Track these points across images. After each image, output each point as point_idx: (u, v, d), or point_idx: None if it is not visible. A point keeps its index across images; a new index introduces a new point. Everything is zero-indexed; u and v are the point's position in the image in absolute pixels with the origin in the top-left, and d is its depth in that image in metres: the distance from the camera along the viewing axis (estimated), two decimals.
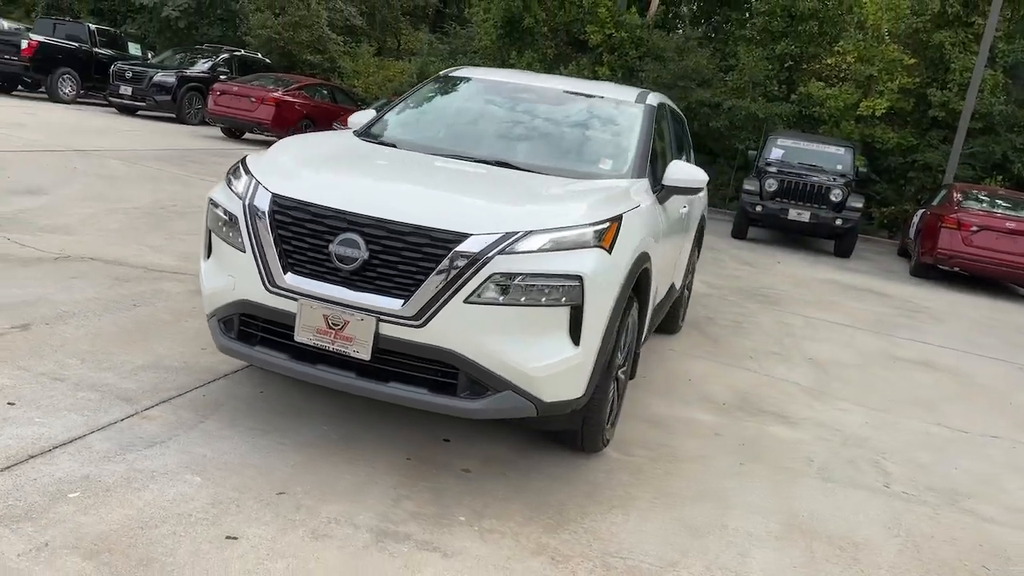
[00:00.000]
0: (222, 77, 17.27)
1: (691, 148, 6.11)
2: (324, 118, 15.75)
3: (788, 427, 4.42)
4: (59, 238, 5.91)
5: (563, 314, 2.99)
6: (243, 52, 19.36)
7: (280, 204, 3.08)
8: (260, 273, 3.05)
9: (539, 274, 2.91)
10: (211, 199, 3.34)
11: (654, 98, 4.68)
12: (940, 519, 3.53)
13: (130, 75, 16.89)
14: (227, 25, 23.23)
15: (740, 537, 3.07)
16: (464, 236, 2.89)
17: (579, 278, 2.96)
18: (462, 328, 2.87)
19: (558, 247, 2.98)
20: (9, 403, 3.18)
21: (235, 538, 2.52)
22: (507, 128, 4.34)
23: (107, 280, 5.03)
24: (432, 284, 2.86)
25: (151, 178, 9.33)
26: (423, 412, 3.27)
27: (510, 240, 2.91)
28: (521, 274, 2.88)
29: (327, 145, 4.12)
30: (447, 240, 2.89)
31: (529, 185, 3.50)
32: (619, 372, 3.66)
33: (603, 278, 3.07)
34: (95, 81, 17.94)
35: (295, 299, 2.99)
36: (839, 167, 13.13)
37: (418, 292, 2.87)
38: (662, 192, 4.10)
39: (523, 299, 2.90)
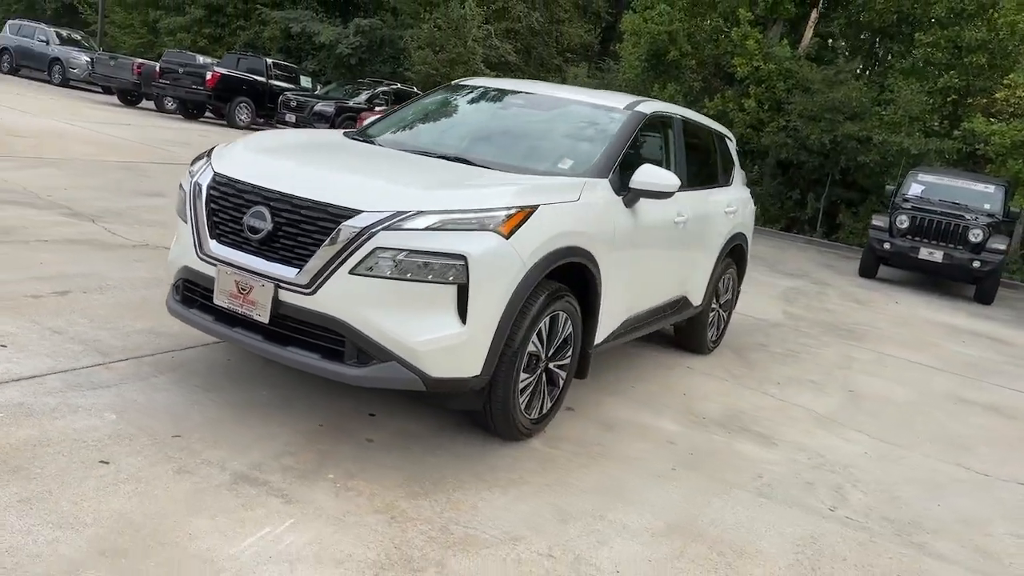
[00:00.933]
0: (378, 108, 18.47)
1: (730, 166, 5.97)
2: None
3: (762, 446, 4.24)
4: (149, 231, 6.67)
5: (450, 292, 3.11)
6: (399, 86, 20.61)
7: (216, 180, 3.44)
8: (194, 241, 3.42)
9: (423, 251, 3.06)
10: (180, 183, 3.75)
11: (647, 106, 4.69)
12: (871, 547, 3.29)
13: (295, 104, 18.51)
14: (395, 62, 24.83)
15: (610, 528, 3.04)
16: (355, 212, 3.10)
17: (464, 258, 3.08)
18: (347, 298, 3.07)
19: (446, 228, 3.12)
20: (1, 345, 3.70)
21: (107, 463, 2.84)
22: (485, 129, 4.52)
23: (163, 264, 5.65)
24: (323, 255, 3.08)
25: None
26: (363, 388, 3.48)
27: (398, 218, 3.09)
28: (405, 250, 3.05)
29: (297, 137, 4.49)
30: (339, 215, 3.11)
31: (460, 176, 3.65)
32: (550, 365, 3.71)
33: (494, 261, 3.17)
34: (268, 109, 19.73)
35: (215, 265, 3.32)
36: (986, 206, 12.12)
37: (310, 262, 3.10)
38: (629, 195, 4.10)
39: (408, 274, 3.06)
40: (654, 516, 3.20)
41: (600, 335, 4.13)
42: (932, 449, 4.68)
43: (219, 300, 3.33)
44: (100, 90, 22.29)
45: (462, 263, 3.08)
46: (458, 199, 3.27)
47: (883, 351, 7.14)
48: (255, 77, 19.76)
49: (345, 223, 3.08)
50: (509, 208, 3.30)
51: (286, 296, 3.16)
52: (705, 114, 18.35)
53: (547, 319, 3.57)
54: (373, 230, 3.05)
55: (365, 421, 3.62)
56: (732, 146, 6.10)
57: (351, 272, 3.05)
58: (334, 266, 3.06)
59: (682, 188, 4.74)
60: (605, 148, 4.21)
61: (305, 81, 21.25)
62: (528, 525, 2.94)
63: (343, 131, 4.86)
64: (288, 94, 18.98)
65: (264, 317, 3.21)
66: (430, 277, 3.08)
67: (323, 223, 3.12)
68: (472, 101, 4.91)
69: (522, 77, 25.12)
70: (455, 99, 4.97)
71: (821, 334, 7.45)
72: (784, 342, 6.82)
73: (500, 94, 4.92)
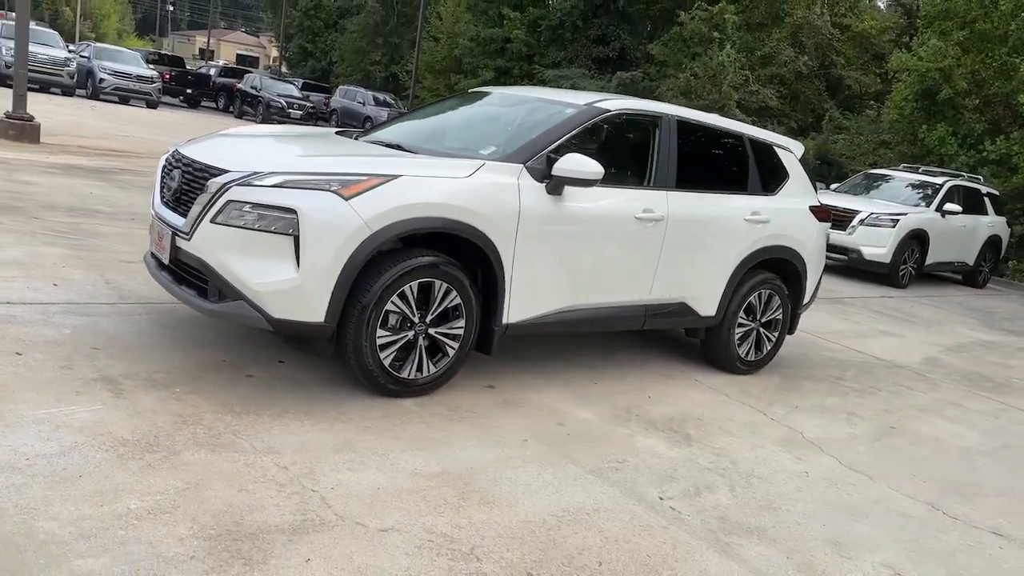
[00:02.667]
0: None
1: (775, 176, 5.64)
2: None
3: (669, 445, 4.06)
4: None
5: (288, 242, 3.59)
6: None
7: (170, 155, 4.26)
8: (152, 202, 4.26)
9: (264, 204, 3.58)
10: None
11: (613, 104, 4.75)
12: (655, 531, 3.12)
13: None
14: None
15: (372, 462, 3.25)
16: (222, 171, 3.72)
17: (295, 212, 3.55)
18: (209, 243, 3.68)
19: (287, 186, 3.61)
20: (53, 284, 4.83)
21: (20, 354, 3.70)
22: (445, 124, 4.93)
23: None
24: (197, 207, 3.73)
25: None
26: (291, 341, 4.06)
27: (251, 177, 3.65)
28: (250, 203, 3.59)
29: (285, 128, 5.20)
30: (212, 174, 3.75)
31: (346, 152, 4.12)
32: (431, 331, 3.99)
33: (326, 218, 3.58)
34: None
35: (152, 219, 4.13)
36: None
37: (191, 212, 3.77)
38: (552, 182, 4.25)
39: (253, 224, 3.60)
40: (438, 463, 3.34)
41: (516, 316, 4.27)
42: (927, 490, 4.08)
43: (152, 247, 4.11)
44: None
45: (293, 216, 3.54)
46: (312, 165, 3.75)
47: (1012, 404, 6.10)
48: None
49: (212, 179, 3.70)
50: (359, 175, 3.70)
51: (179, 242, 3.84)
52: (985, 158, 16.52)
53: (414, 284, 3.85)
54: (229, 185, 3.63)
55: (268, 365, 4.15)
56: (787, 156, 5.75)
57: (211, 221, 3.65)
58: (201, 216, 3.68)
59: (668, 188, 4.76)
60: (533, 137, 4.39)
61: None
62: (299, 448, 3.26)
63: (343, 129, 5.52)
64: None
65: (166, 258, 3.92)
66: (271, 227, 3.57)
67: (201, 181, 3.77)
68: (460, 103, 5.33)
69: (787, 123, 24.26)
70: (452, 102, 5.42)
71: (944, 380, 6.54)
72: (873, 380, 6.14)
73: (491, 96, 5.27)
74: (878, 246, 11.68)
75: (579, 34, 29.71)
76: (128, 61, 24.17)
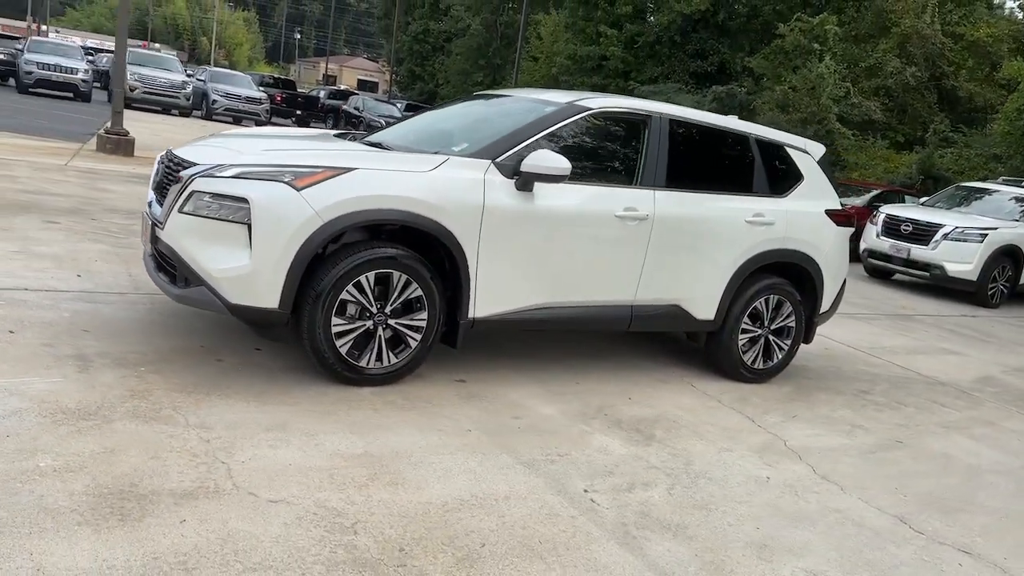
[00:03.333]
0: None
1: (786, 177, 5.45)
2: None
3: (625, 444, 3.99)
4: None
5: (243, 230, 3.77)
6: None
7: (164, 154, 4.55)
8: (147, 198, 4.56)
9: (220, 194, 3.79)
10: None
11: (596, 102, 4.73)
12: (566, 524, 3.08)
13: None
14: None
15: (302, 441, 3.35)
16: (192, 164, 3.96)
17: (246, 201, 3.74)
18: (177, 231, 3.91)
19: (243, 177, 3.80)
20: (77, 275, 5.22)
21: (12, 332, 4.03)
22: (433, 124, 5.03)
23: None
24: (170, 198, 3.98)
25: None
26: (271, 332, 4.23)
27: (213, 169, 3.87)
28: (210, 193, 3.81)
29: (283, 131, 5.41)
30: (184, 167, 3.99)
31: (313, 148, 4.27)
32: (391, 322, 4.08)
33: (277, 207, 3.74)
34: None
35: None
36: None
37: (165, 203, 4.02)
38: (520, 178, 4.28)
39: (212, 214, 3.81)
40: (365, 446, 3.41)
41: (484, 311, 4.31)
42: (886, 500, 3.85)
43: (142, 238, 4.40)
44: None
45: (246, 205, 3.72)
46: (271, 158, 3.93)
47: None
48: None
49: (183, 171, 3.93)
50: (313, 167, 3.85)
51: (157, 231, 4.09)
52: None
53: (370, 275, 3.96)
54: (194, 176, 3.86)
55: (242, 352, 4.34)
56: (801, 158, 5.55)
57: (179, 211, 3.88)
58: (172, 206, 3.92)
59: (657, 187, 4.72)
60: (504, 134, 4.44)
61: None
62: (231, 425, 3.40)
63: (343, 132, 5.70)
64: None
65: (148, 248, 4.19)
66: (227, 216, 3.77)
67: (176, 173, 4.01)
68: (462, 104, 5.42)
69: (892, 137, 23.17)
70: (456, 104, 5.53)
71: (990, 400, 6.11)
72: (903, 396, 5.81)
73: (491, 97, 5.35)
74: (963, 262, 11.00)
75: (677, 49, 29.41)
76: (240, 84, 25.63)
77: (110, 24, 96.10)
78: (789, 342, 5.53)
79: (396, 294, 4.06)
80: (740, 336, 5.30)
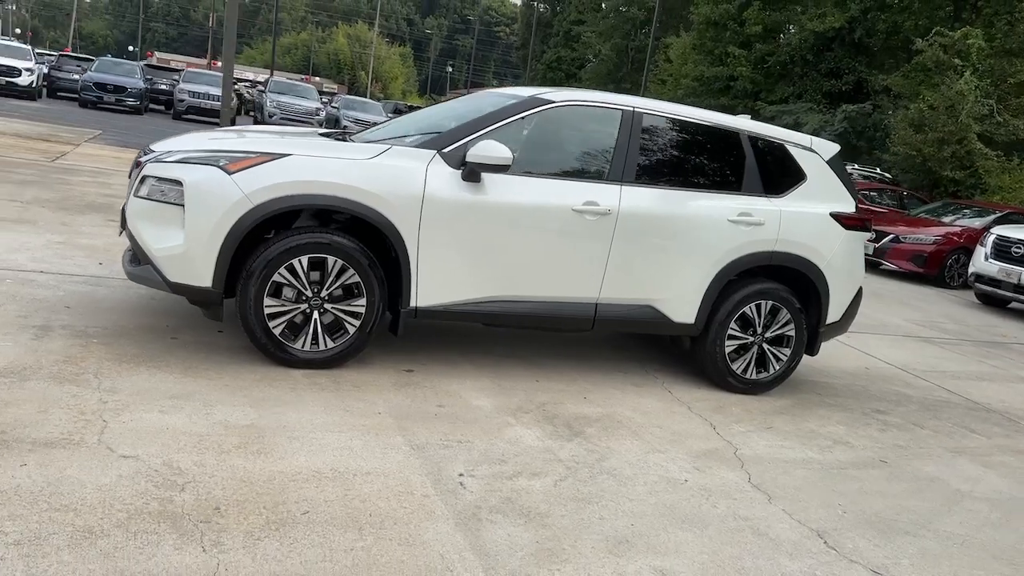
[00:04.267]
0: None
1: (783, 176, 5.14)
2: (880, 223, 14.99)
3: (549, 440, 3.88)
4: None
5: (178, 211, 4.01)
6: (877, 171, 19.43)
7: (145, 148, 4.88)
8: None
9: (162, 178, 4.04)
10: None
11: (559, 95, 4.66)
12: (414, 502, 3.04)
13: None
14: (878, 145, 23.44)
15: (192, 409, 3.48)
16: (152, 152, 4.24)
17: (180, 183, 3.97)
18: (133, 213, 4.19)
19: (184, 161, 4.04)
20: (99, 263, 5.68)
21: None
22: (409, 119, 5.11)
23: None
24: (132, 182, 4.28)
25: None
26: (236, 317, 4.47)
27: (162, 155, 4.14)
28: (155, 177, 4.07)
29: (268, 128, 5.62)
30: (147, 155, 4.28)
31: (263, 137, 4.44)
32: (327, 306, 4.19)
33: (208, 190, 3.94)
34: None
35: None
36: None
37: (131, 187, 4.32)
38: (466, 169, 4.30)
39: (157, 196, 4.06)
40: (255, 419, 3.50)
41: (427, 300, 4.33)
42: (816, 515, 3.55)
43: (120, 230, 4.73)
44: None
45: (180, 187, 3.95)
46: (215, 145, 4.14)
47: None
48: None
49: (143, 158, 4.22)
50: (248, 152, 4.03)
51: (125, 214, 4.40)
52: None
53: (303, 259, 4.08)
54: (147, 162, 4.13)
55: (204, 332, 4.56)
56: (806, 157, 5.21)
57: (134, 195, 4.16)
58: (130, 190, 4.22)
59: (625, 182, 4.65)
60: (453, 126, 4.47)
61: None
62: (138, 391, 3.58)
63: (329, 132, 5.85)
64: None
65: (119, 231, 4.50)
66: (166, 198, 4.01)
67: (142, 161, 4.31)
68: (450, 101, 5.49)
69: None
70: (445, 102, 5.61)
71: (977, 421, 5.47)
72: (927, 419, 5.33)
73: (479, 93, 5.41)
74: None
75: (809, 68, 28.34)
76: (370, 111, 26.98)
77: (280, 60, 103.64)
78: (788, 352, 5.17)
79: (332, 279, 4.15)
80: (727, 343, 5.02)
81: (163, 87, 27.09)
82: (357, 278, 4.18)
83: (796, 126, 25.43)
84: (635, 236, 4.66)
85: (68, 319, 4.38)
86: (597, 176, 4.68)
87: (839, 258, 5.18)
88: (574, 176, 4.67)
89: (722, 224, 4.85)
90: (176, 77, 27.30)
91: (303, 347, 4.19)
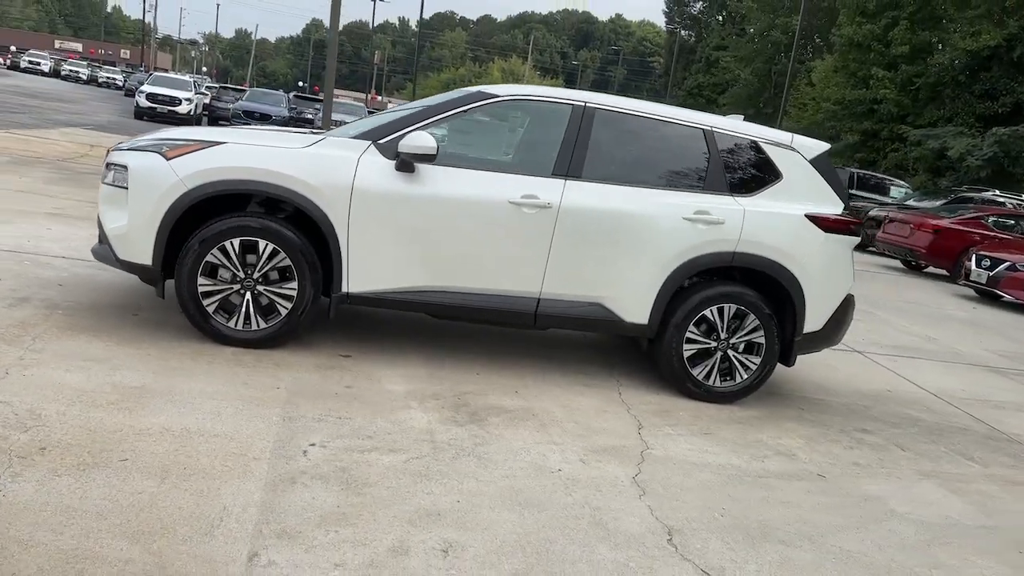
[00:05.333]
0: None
1: (755, 174, 4.90)
2: (998, 249, 13.79)
3: (439, 424, 3.88)
4: None
5: (124, 194, 4.36)
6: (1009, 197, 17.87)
7: None
8: None
9: (115, 164, 4.42)
10: None
11: (503, 90, 4.68)
12: (239, 463, 3.16)
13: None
14: None
15: (93, 370, 3.76)
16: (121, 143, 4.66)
17: (125, 168, 4.33)
18: (100, 198, 4.61)
19: (133, 149, 4.41)
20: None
21: (1, 279, 4.98)
22: (380, 115, 5.27)
23: None
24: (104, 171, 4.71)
25: None
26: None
27: (122, 144, 4.53)
28: (112, 163, 4.46)
29: (253, 127, 5.91)
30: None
31: (220, 130, 4.73)
32: (258, 288, 4.42)
33: (147, 173, 4.27)
34: None
35: None
36: None
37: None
38: (399, 160, 4.43)
39: (111, 181, 4.45)
40: (148, 383, 3.72)
41: (358, 286, 4.46)
42: (682, 516, 3.35)
43: None
44: None
45: (125, 171, 4.31)
46: (166, 135, 4.48)
47: None
48: None
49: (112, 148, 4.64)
50: (187, 140, 4.35)
51: None
52: None
53: (235, 241, 4.33)
54: (110, 151, 4.54)
55: (170, 311, 4.89)
56: (783, 155, 4.94)
57: (102, 181, 4.57)
58: (102, 178, 4.64)
59: (572, 177, 4.63)
60: (388, 118, 4.60)
61: (897, 192, 20.23)
62: (61, 354, 3.91)
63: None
64: (851, 202, 18.58)
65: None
66: (116, 182, 4.39)
67: None
68: (427, 99, 5.63)
69: None
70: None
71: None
72: (919, 442, 4.89)
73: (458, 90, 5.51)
74: None
75: (962, 90, 26.44)
76: None
77: (436, 93, 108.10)
78: (758, 361, 4.88)
79: (264, 262, 4.36)
80: (686, 346, 4.81)
81: (308, 116, 28.98)
82: (288, 262, 4.36)
83: (942, 150, 23.75)
84: (579, 232, 4.59)
85: (52, 294, 4.83)
86: (541, 170, 4.64)
87: (816, 262, 4.86)
88: (517, 170, 4.66)
89: (676, 222, 4.68)
90: (318, 106, 29.12)
91: (236, 326, 4.41)
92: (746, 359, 4.88)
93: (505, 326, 5.08)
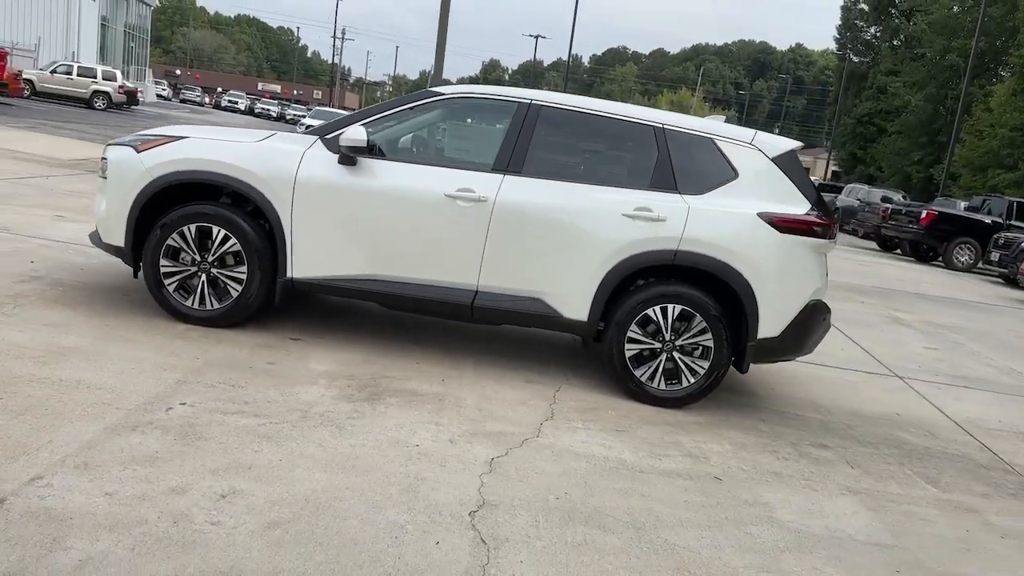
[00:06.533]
0: None
1: (707, 170, 4.75)
2: None
3: (336, 400, 4.06)
4: None
5: (105, 183, 4.92)
6: None
7: None
8: None
9: (104, 157, 5.00)
10: None
11: (451, 88, 4.85)
12: (99, 414, 3.51)
13: (1002, 242, 16.58)
14: None
15: (40, 332, 4.25)
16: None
17: (107, 160, 4.88)
18: (97, 188, 5.21)
19: (119, 144, 4.96)
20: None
21: (33, 262, 5.71)
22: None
23: None
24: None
25: None
26: None
27: (114, 140, 5.11)
28: (103, 157, 5.05)
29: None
30: None
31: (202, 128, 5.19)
32: (213, 270, 4.82)
33: (120, 164, 4.79)
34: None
35: None
36: None
37: None
38: (340, 153, 4.72)
39: (100, 172, 5.03)
40: (83, 345, 4.15)
41: (302, 273, 4.75)
42: (503, 493, 3.34)
43: None
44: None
45: (107, 164, 4.86)
46: (144, 132, 5.00)
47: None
48: (979, 218, 18.25)
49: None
50: (156, 135, 4.84)
51: None
52: None
53: (192, 227, 4.76)
54: (106, 147, 5.13)
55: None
56: (741, 153, 4.76)
57: (100, 174, 5.18)
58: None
59: (512, 172, 4.72)
60: (346, 116, 4.88)
61: None
62: (26, 318, 4.43)
63: None
64: (1003, 233, 17.01)
65: None
66: (102, 173, 4.95)
67: None
68: None
69: None
70: None
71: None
72: (888, 464, 4.53)
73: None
74: None
75: None
76: None
77: None
78: (706, 365, 4.70)
79: (216, 246, 4.75)
80: (628, 346, 4.72)
81: None
82: (239, 247, 4.72)
83: None
84: (515, 225, 4.64)
85: (66, 276, 5.48)
86: (481, 165, 4.75)
87: (770, 263, 4.62)
88: (457, 164, 4.80)
89: (615, 218, 4.62)
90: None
91: (193, 305, 4.81)
92: (693, 363, 4.71)
93: (446, 318, 5.17)
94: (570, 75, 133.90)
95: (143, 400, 3.61)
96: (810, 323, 4.78)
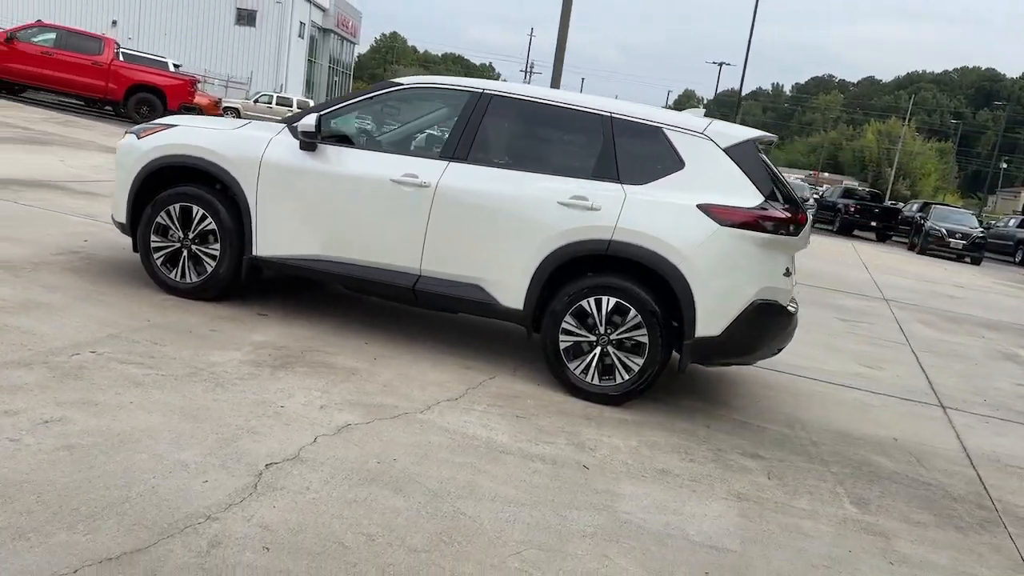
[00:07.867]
0: None
1: (649, 161, 4.58)
2: None
3: (249, 366, 4.34)
4: None
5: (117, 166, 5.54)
6: None
7: None
8: None
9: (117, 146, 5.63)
10: None
11: (410, 79, 5.01)
12: (30, 354, 3.97)
13: None
14: None
15: (33, 289, 4.87)
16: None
17: (118, 148, 5.50)
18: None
19: (129, 133, 5.56)
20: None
21: (86, 241, 6.49)
22: None
23: None
24: None
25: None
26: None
27: (130, 129, 5.74)
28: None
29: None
30: None
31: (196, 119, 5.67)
32: (192, 247, 5.28)
33: (126, 149, 5.38)
34: None
35: None
36: None
37: None
38: (301, 140, 5.04)
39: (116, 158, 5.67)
40: (60, 304, 4.65)
41: (264, 251, 5.07)
42: (293, 447, 3.43)
43: None
44: None
45: (118, 148, 5.48)
46: (152, 122, 5.57)
47: None
48: None
49: None
50: (156, 124, 5.40)
51: None
52: None
53: (176, 206, 5.24)
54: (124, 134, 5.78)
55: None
56: (690, 143, 4.54)
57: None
58: None
59: (457, 160, 4.82)
60: (316, 106, 5.19)
61: None
62: (32, 280, 5.07)
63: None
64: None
65: None
66: (116, 160, 5.58)
67: None
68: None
69: None
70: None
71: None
72: (846, 483, 4.13)
73: None
74: None
75: None
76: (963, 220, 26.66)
77: (805, 159, 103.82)
78: (640, 361, 4.51)
79: (195, 224, 5.19)
80: (563, 338, 4.63)
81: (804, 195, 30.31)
82: (214, 225, 5.13)
83: None
84: (455, 211, 4.71)
85: (103, 252, 6.15)
86: (432, 153, 4.87)
87: (708, 257, 4.36)
88: (412, 152, 4.95)
89: (550, 206, 4.57)
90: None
91: (176, 278, 5.27)
92: (628, 359, 4.52)
93: (393, 300, 5.28)
94: (769, 104, 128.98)
95: (60, 346, 4.02)
96: (759, 324, 4.45)
